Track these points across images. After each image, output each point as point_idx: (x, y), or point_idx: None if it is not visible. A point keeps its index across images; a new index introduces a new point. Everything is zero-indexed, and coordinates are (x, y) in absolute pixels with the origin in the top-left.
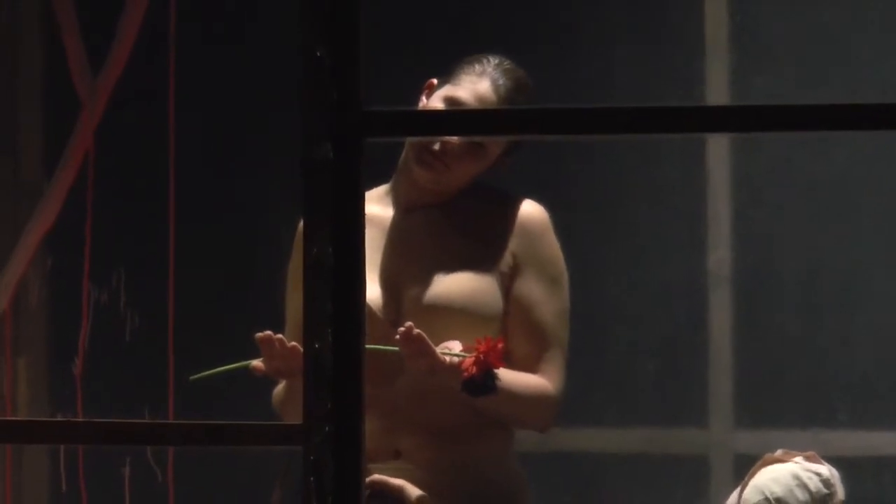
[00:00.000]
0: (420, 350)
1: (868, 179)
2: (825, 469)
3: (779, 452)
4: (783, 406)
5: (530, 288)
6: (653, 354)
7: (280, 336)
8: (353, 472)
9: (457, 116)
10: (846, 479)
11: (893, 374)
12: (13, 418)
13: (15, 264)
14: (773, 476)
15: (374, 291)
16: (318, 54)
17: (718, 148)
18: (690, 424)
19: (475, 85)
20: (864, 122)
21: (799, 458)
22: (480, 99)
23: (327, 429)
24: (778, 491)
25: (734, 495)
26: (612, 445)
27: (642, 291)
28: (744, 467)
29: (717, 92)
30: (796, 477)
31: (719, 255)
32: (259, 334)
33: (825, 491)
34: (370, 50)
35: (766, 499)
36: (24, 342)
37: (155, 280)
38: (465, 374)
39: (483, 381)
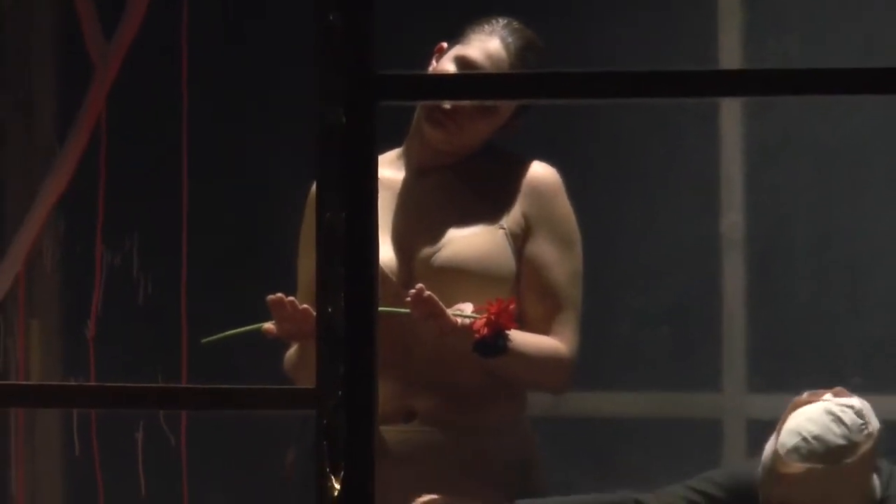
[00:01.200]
0: (431, 311)
1: (881, 144)
2: (856, 401)
3: (805, 395)
4: (796, 370)
5: (542, 249)
6: (666, 318)
7: (292, 298)
8: (366, 436)
9: (469, 80)
10: None
11: None
12: (26, 382)
13: (28, 228)
14: (807, 416)
15: (386, 254)
16: (331, 18)
17: (731, 112)
18: (704, 389)
19: (485, 44)
20: (877, 87)
21: (828, 396)
22: (491, 57)
23: (340, 392)
24: (814, 429)
25: (769, 444)
26: (625, 410)
27: (655, 255)
28: (757, 431)
29: (730, 55)
30: (830, 413)
31: (732, 218)
32: (270, 297)
33: (860, 421)
34: (382, 14)
35: (804, 438)
36: (37, 305)
37: (168, 244)
38: (477, 335)
39: (494, 343)
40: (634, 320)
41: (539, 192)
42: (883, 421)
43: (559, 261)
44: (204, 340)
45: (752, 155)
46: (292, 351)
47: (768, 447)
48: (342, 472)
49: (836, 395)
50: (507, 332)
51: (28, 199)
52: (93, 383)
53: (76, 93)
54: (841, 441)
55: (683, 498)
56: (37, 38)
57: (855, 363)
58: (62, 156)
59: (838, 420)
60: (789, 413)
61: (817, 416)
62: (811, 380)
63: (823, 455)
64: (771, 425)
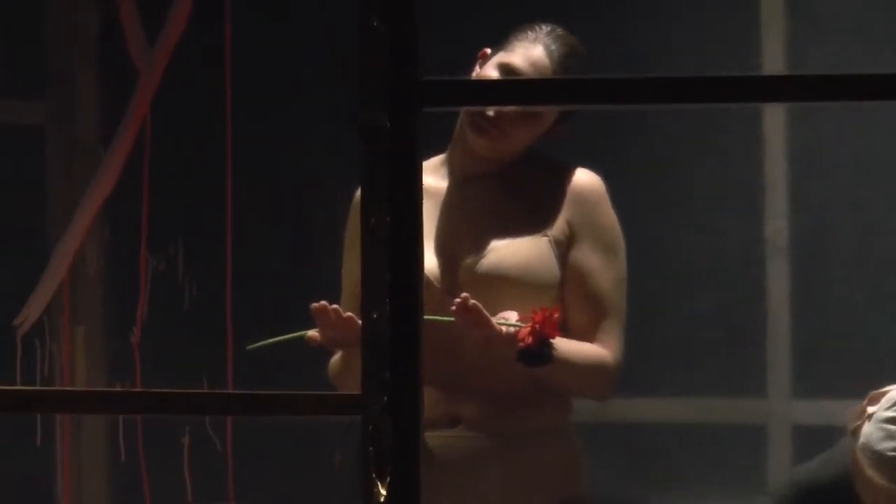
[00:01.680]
0: (476, 320)
1: None
2: None
3: (872, 393)
4: (841, 375)
5: (586, 256)
6: (710, 324)
7: (335, 306)
8: (412, 441)
9: (512, 85)
10: None
11: None
12: (71, 388)
13: (73, 233)
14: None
15: (430, 261)
16: (375, 24)
17: (775, 117)
18: (748, 394)
19: (528, 51)
20: None
21: None
22: (534, 64)
23: (385, 398)
24: None
25: (869, 426)
26: (669, 415)
27: (700, 261)
28: (802, 437)
29: (773, 61)
30: None
31: (776, 224)
32: (314, 305)
33: None
34: (425, 20)
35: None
36: (82, 311)
37: (213, 249)
38: (522, 344)
39: (539, 351)
40: (679, 326)
41: (583, 200)
42: None
43: (603, 268)
44: (248, 347)
45: (796, 160)
46: (336, 358)
47: (867, 428)
48: (388, 478)
49: None
50: (552, 340)
51: (72, 205)
52: (138, 389)
53: (120, 98)
54: None
55: None
56: (80, 44)
57: None
58: (106, 161)
59: None
60: (880, 394)
61: None
62: (856, 385)
63: None
64: (816, 430)
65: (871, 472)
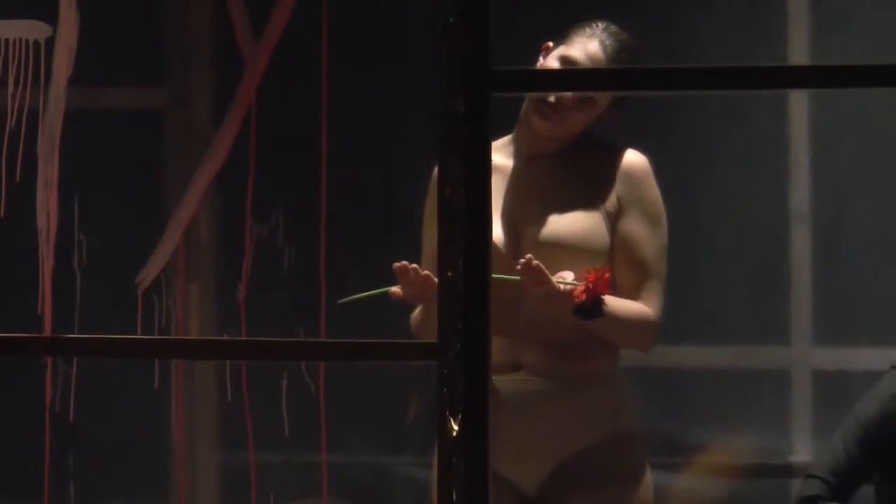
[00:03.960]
0: (538, 279)
1: None
2: None
3: None
4: (857, 326)
5: (633, 227)
6: (742, 282)
7: (415, 265)
8: (481, 384)
9: (571, 74)
10: None
11: None
12: (186, 337)
13: (187, 203)
14: None
15: (498, 231)
16: (451, 20)
17: (799, 101)
18: (774, 342)
19: (586, 45)
20: None
21: None
22: (591, 57)
23: (458, 346)
24: None
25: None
26: (705, 361)
27: (733, 227)
28: (821, 381)
29: (799, 53)
30: None
31: (799, 195)
32: (396, 264)
33: None
34: (498, 16)
35: None
36: (195, 271)
37: (309, 217)
38: (577, 299)
39: (592, 306)
40: (714, 283)
41: (631, 177)
42: None
43: (648, 237)
44: (340, 301)
45: (818, 139)
46: (417, 312)
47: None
48: (460, 416)
49: None
50: (603, 297)
51: (187, 178)
52: (243, 338)
53: (229, 85)
54: None
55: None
56: (195, 38)
57: None
58: (217, 140)
59: None
60: None
61: None
62: (869, 335)
63: None
64: (835, 376)
65: None
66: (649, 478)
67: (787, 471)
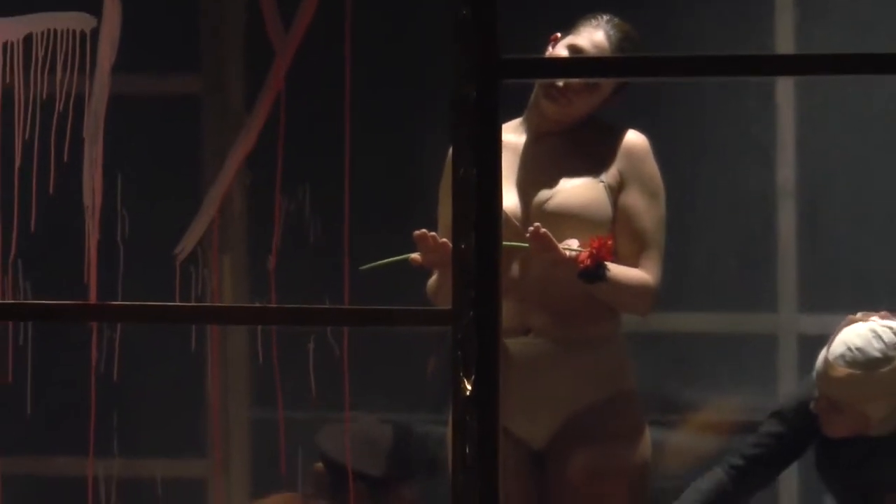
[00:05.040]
0: (545, 246)
1: None
2: None
3: (859, 315)
4: (838, 294)
5: (633, 199)
6: (732, 253)
7: (433, 233)
8: (492, 347)
9: (578, 62)
10: None
11: None
12: (220, 304)
13: (221, 181)
14: (855, 332)
15: (510, 201)
16: (464, 13)
17: (785, 87)
18: (762, 309)
19: (592, 35)
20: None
21: (875, 317)
22: (596, 46)
23: (471, 312)
24: (858, 342)
25: (824, 351)
26: (698, 327)
27: (724, 203)
28: (807, 346)
29: (784, 42)
30: (873, 331)
31: (785, 174)
32: (416, 232)
33: None
34: (508, 9)
35: (849, 349)
36: (228, 242)
37: (334, 193)
38: (581, 265)
39: (595, 271)
40: (708, 254)
41: (632, 154)
42: None
43: (647, 209)
44: (361, 268)
45: (802, 122)
46: (433, 279)
47: (822, 354)
48: (473, 376)
49: (881, 317)
50: (606, 263)
51: (221, 158)
52: (273, 305)
53: (260, 73)
54: (878, 354)
55: (766, 434)
56: (229, 30)
57: (886, 287)
58: (249, 124)
59: (879, 337)
60: (843, 328)
61: (863, 332)
62: (851, 301)
63: (863, 363)
64: (818, 340)
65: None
66: (647, 433)
67: None
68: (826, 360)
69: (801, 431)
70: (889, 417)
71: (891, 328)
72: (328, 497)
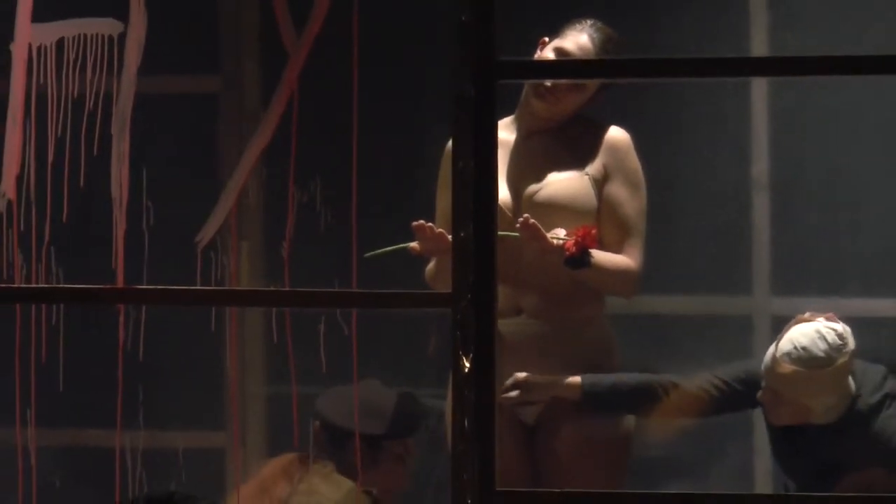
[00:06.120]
0: (535, 234)
1: (874, 107)
2: (840, 326)
3: (807, 314)
4: (809, 278)
5: (617, 191)
6: (710, 240)
7: (431, 224)
8: (489, 328)
9: (565, 64)
10: (854, 336)
11: (894, 255)
12: (238, 288)
13: (239, 174)
14: (801, 331)
15: (503, 194)
16: (463, 18)
17: (760, 86)
18: (737, 292)
19: (576, 38)
20: (862, 69)
21: (821, 318)
22: (581, 48)
23: (469, 296)
24: (804, 342)
25: (772, 346)
26: (678, 308)
27: (702, 194)
28: (779, 326)
29: (759, 46)
30: (818, 332)
31: (760, 167)
32: (415, 222)
33: (839, 342)
34: (503, 15)
35: (795, 348)
36: (246, 230)
37: (342, 186)
38: (568, 252)
39: (581, 258)
40: (686, 241)
41: (615, 148)
42: (872, 319)
43: (629, 200)
44: (366, 255)
45: (775, 118)
46: (431, 265)
47: (770, 348)
48: (471, 354)
49: (827, 318)
50: (591, 250)
51: (238, 153)
52: (287, 289)
53: (275, 73)
54: (822, 354)
55: (710, 383)
56: (246, 33)
57: (853, 273)
58: (264, 120)
59: (823, 338)
60: (791, 326)
61: (809, 332)
62: (820, 286)
63: (807, 362)
64: (789, 321)
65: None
66: None
67: None
68: (774, 357)
69: (742, 396)
70: (832, 409)
71: (835, 330)
72: (326, 454)
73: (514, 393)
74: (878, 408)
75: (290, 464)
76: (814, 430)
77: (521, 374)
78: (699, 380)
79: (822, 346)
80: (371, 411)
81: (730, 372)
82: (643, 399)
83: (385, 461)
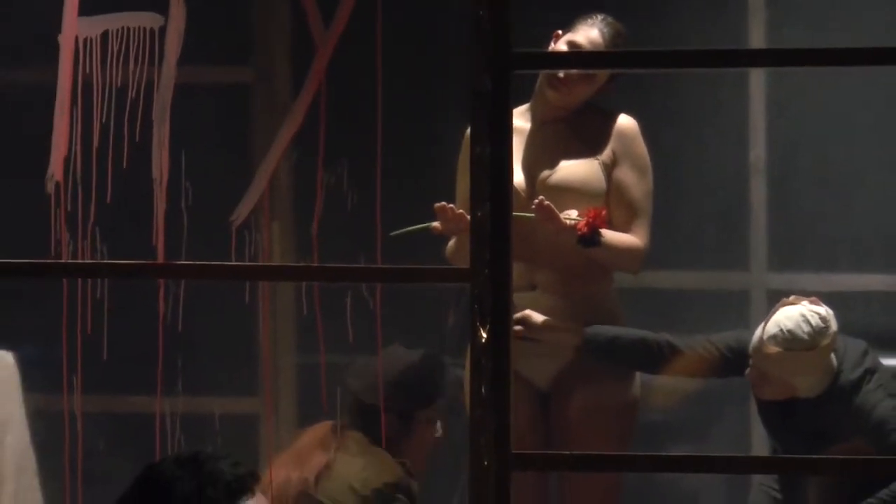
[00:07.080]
0: (549, 216)
1: (865, 97)
2: (823, 309)
3: (792, 297)
4: (803, 255)
5: (625, 175)
6: (710, 220)
7: (451, 205)
8: (505, 302)
9: (577, 56)
10: (845, 309)
11: (882, 233)
12: (271, 264)
13: (272, 156)
14: (786, 315)
15: (518, 178)
16: (481, 13)
17: (757, 77)
18: (736, 268)
19: (587, 32)
20: (851, 61)
21: (805, 302)
22: (592, 42)
23: (486, 270)
24: (789, 325)
25: (759, 328)
26: (681, 283)
27: (704, 177)
28: (775, 300)
29: (757, 39)
30: (802, 315)
31: (757, 152)
32: (437, 204)
33: (822, 325)
34: (519, 9)
35: (781, 331)
36: (277, 210)
37: (368, 169)
38: (579, 232)
39: (591, 237)
40: (688, 220)
41: (624, 135)
42: (863, 292)
43: (637, 183)
44: (391, 234)
45: (772, 107)
46: (451, 243)
47: (758, 330)
48: (488, 325)
49: (811, 302)
50: (601, 230)
51: (270, 138)
52: (316, 265)
53: (304, 65)
54: (805, 337)
55: (703, 346)
56: (277, 27)
57: (844, 250)
58: (294, 108)
59: (807, 322)
60: (777, 308)
61: (794, 315)
62: (813, 262)
63: (792, 344)
64: (785, 295)
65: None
66: (637, 374)
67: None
68: (760, 339)
69: (730, 362)
70: (815, 385)
71: (818, 313)
72: (360, 427)
73: (518, 328)
74: (858, 383)
75: (326, 434)
76: (799, 403)
77: (528, 312)
78: (693, 342)
79: (807, 328)
80: (398, 383)
81: (723, 338)
82: (640, 354)
83: (416, 429)
